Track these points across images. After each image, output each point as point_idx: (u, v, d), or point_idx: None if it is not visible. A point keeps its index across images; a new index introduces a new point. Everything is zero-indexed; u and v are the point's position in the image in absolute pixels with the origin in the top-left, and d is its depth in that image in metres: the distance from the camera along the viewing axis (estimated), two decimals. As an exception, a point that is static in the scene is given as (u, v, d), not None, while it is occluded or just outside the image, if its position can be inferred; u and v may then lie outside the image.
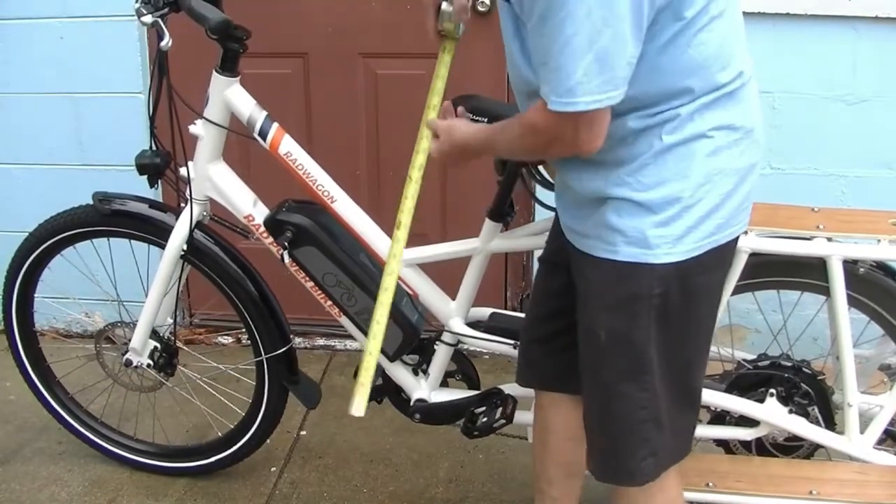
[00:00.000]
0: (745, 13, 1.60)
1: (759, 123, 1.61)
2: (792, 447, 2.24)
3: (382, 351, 2.28)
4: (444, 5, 1.87)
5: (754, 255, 2.02)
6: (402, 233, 1.87)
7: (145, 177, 2.29)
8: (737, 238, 1.64)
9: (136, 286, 2.61)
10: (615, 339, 1.59)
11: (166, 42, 2.05)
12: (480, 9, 3.05)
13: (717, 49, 1.49)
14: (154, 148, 2.29)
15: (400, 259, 1.86)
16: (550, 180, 2.10)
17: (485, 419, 2.27)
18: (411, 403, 2.33)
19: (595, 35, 1.35)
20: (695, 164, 1.51)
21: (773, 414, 2.14)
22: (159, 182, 2.35)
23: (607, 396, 1.65)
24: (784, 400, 2.15)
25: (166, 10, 2.08)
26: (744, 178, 1.58)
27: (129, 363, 2.45)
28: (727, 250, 1.63)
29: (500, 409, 2.26)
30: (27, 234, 2.47)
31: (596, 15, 1.34)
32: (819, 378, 2.18)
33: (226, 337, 3.49)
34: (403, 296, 2.24)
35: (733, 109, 1.54)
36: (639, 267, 1.54)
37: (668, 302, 1.57)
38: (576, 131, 1.44)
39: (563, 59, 1.37)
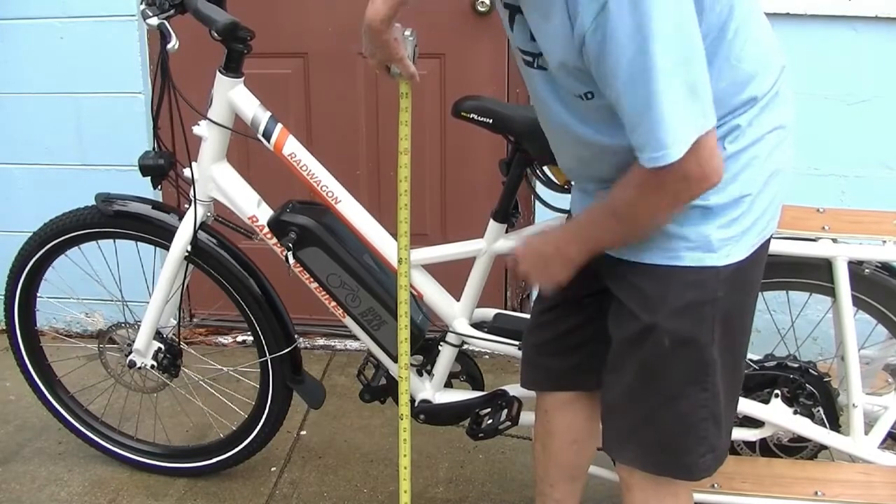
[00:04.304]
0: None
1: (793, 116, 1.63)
2: (796, 448, 2.24)
3: (386, 351, 2.29)
4: (393, 68, 1.86)
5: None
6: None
7: (148, 178, 2.28)
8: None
9: (138, 286, 2.61)
10: (680, 344, 1.57)
11: (173, 44, 2.04)
12: (480, 9, 3.05)
13: (763, 52, 1.51)
14: (157, 149, 2.28)
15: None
16: (555, 181, 2.10)
17: (490, 421, 2.27)
18: (415, 404, 2.33)
19: (686, 71, 1.33)
20: (755, 166, 1.53)
21: (778, 415, 2.15)
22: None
23: (667, 398, 1.63)
24: (789, 401, 2.16)
25: (172, 11, 2.07)
26: (786, 172, 1.60)
27: (132, 364, 2.44)
28: (768, 242, 1.65)
29: (506, 410, 2.26)
30: (28, 234, 2.46)
31: (680, 53, 1.32)
32: (824, 379, 2.18)
33: (226, 337, 3.49)
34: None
35: (780, 109, 1.56)
36: (703, 271, 1.53)
37: (730, 301, 1.57)
38: (699, 164, 1.38)
39: (664, 109, 1.32)
